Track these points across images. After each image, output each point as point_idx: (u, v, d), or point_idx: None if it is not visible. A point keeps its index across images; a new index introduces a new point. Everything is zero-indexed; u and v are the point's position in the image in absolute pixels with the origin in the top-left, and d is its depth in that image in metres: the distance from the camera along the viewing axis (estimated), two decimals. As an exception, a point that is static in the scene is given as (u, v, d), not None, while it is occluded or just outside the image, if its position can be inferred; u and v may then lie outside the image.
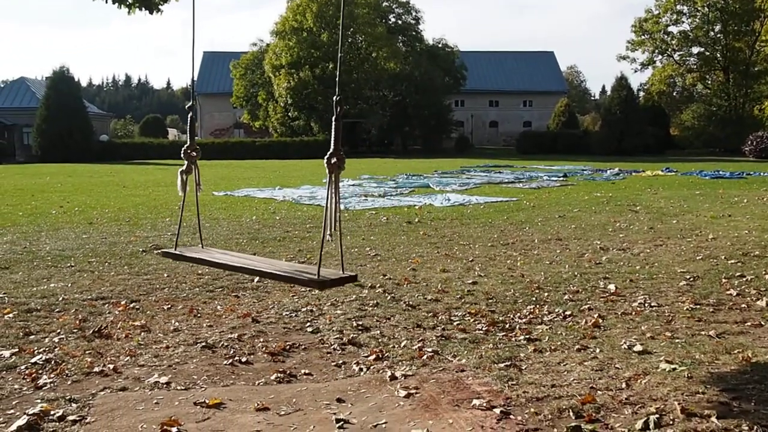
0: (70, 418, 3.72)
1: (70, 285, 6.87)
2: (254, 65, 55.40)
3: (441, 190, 18.75)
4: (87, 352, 4.80)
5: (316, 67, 48.00)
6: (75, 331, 5.30)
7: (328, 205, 4.00)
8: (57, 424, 3.65)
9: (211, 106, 67.97)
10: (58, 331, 5.30)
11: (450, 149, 52.29)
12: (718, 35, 52.02)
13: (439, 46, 56.98)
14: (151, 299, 6.36)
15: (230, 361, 4.66)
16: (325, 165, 4.00)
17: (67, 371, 4.42)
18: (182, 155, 4.68)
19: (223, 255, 4.80)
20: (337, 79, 4.44)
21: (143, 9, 9.88)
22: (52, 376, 4.34)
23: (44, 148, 42.18)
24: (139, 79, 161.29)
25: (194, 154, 4.72)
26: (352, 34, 50.83)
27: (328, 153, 3.98)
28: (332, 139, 4.01)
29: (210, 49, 69.80)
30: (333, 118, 4.01)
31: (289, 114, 50.60)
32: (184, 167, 4.74)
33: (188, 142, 4.75)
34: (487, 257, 8.43)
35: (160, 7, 10.02)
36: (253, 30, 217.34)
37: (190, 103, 4.75)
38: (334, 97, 3.95)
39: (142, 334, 5.26)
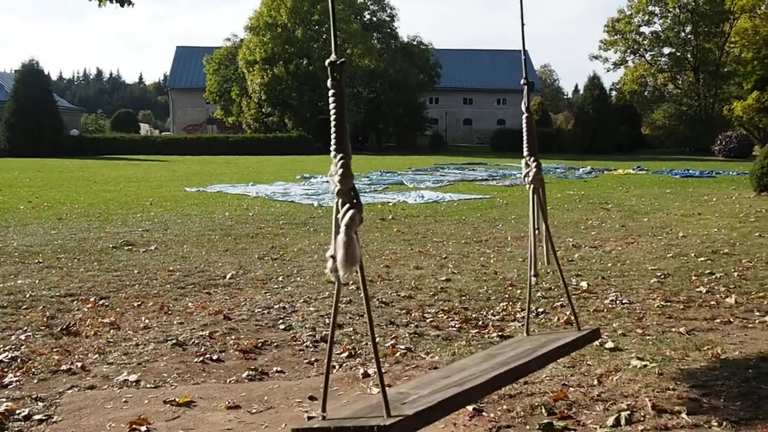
0: (36, 417, 3.64)
1: (37, 281, 6.74)
2: (228, 60, 55.06)
3: (415, 187, 18.76)
4: (54, 349, 4.71)
5: (291, 63, 47.84)
6: (42, 328, 5.20)
7: (533, 232, 3.30)
8: (22, 423, 3.57)
9: (183, 101, 67.42)
10: (25, 328, 5.19)
11: (424, 147, 52.38)
12: (689, 36, 52.75)
13: (414, 43, 57.02)
14: (120, 296, 6.27)
15: (201, 358, 4.60)
16: (522, 176, 3.32)
17: (33, 369, 4.33)
18: (339, 187, 2.43)
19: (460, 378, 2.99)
20: (522, 58, 3.59)
21: (114, 1, 9.75)
22: (18, 374, 4.25)
23: (13, 143, 41.44)
24: (111, 74, 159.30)
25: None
26: (326, 30, 50.66)
27: (523, 160, 3.28)
28: (525, 138, 3.33)
29: (183, 44, 69.09)
30: (524, 108, 3.36)
31: (263, 110, 50.34)
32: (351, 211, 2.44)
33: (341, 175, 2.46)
34: (460, 254, 8.43)
35: (131, -1, 9.90)
36: (226, 25, 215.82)
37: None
38: (522, 80, 3.31)
39: (112, 331, 5.17)
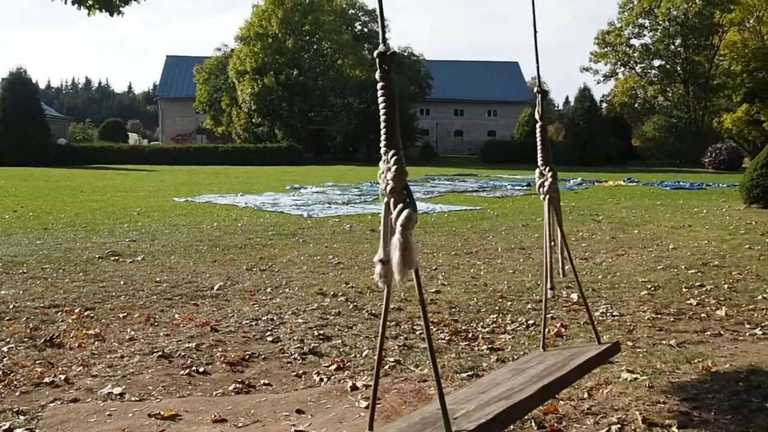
0: (18, 430, 3.59)
1: (21, 292, 6.67)
2: (218, 70, 55.08)
3: (405, 198, 18.72)
4: (37, 362, 4.65)
5: (281, 73, 47.87)
6: (25, 340, 5.14)
7: (548, 244, 3.20)
8: (3, 437, 3.53)
9: (173, 110, 67.36)
10: (8, 340, 5.13)
11: (415, 158, 52.44)
12: (679, 49, 53.22)
13: (405, 54, 57.16)
14: (106, 307, 6.21)
15: (187, 371, 4.55)
16: (537, 187, 3.22)
17: (15, 382, 4.28)
18: None
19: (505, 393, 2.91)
20: (536, 63, 3.50)
21: (103, 10, 9.70)
22: (-1, 386, 4.20)
23: (-1, 152, 41.24)
24: (100, 82, 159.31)
25: None
26: (317, 41, 50.81)
27: (537, 169, 3.19)
28: (539, 147, 3.26)
29: (173, 53, 69.14)
30: (537, 117, 3.30)
31: (253, 120, 50.33)
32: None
33: None
34: (450, 266, 8.42)
35: (121, 8, 9.86)
36: (217, 35, 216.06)
37: None
38: (535, 88, 3.24)
39: (96, 343, 5.12)
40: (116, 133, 65.29)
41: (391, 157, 2.31)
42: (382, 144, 2.36)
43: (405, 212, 2.25)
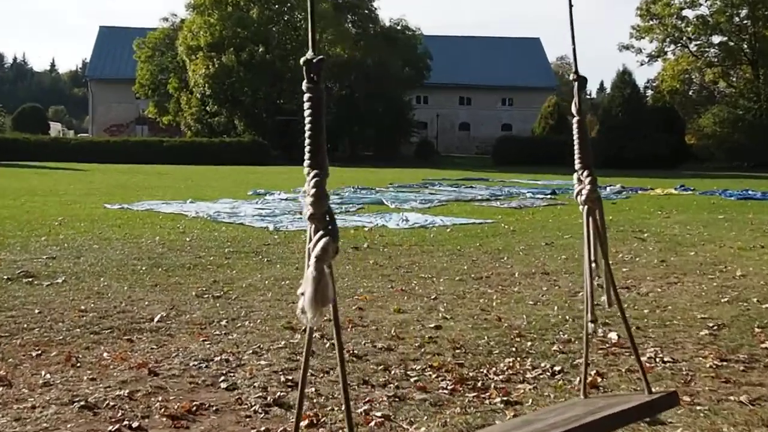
0: None
1: None
2: (164, 45, 55.26)
3: (397, 208, 18.76)
4: None
5: (243, 50, 47.99)
6: None
7: (588, 266, 3.24)
8: None
9: (107, 95, 67.46)
10: None
11: (410, 157, 52.69)
12: (745, 22, 53.43)
13: (398, 28, 57.46)
14: (15, 343, 6.13)
15: (117, 426, 4.49)
16: (574, 195, 3.29)
17: None
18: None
19: None
20: (572, 44, 3.55)
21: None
22: None
23: None
24: (15, 58, 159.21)
25: None
26: (288, 10, 51.03)
27: (575, 174, 3.29)
28: (576, 147, 3.34)
29: (108, 23, 69.20)
30: (574, 110, 3.38)
31: (207, 108, 50.47)
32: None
33: None
34: (454, 295, 8.39)
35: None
36: (163, 2, 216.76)
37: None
38: (572, 75, 3.34)
39: (1, 389, 5.04)
40: (35, 122, 65.24)
41: (312, 179, 2.47)
42: (305, 164, 2.53)
43: (321, 242, 2.39)
